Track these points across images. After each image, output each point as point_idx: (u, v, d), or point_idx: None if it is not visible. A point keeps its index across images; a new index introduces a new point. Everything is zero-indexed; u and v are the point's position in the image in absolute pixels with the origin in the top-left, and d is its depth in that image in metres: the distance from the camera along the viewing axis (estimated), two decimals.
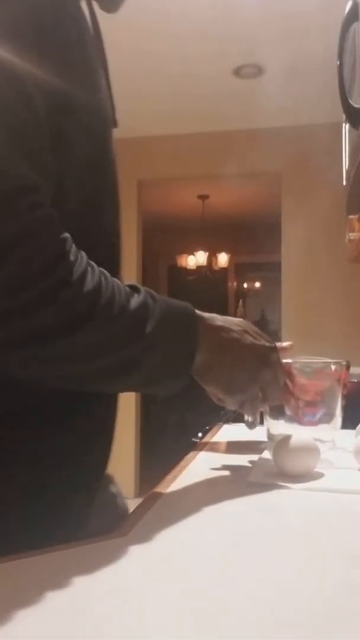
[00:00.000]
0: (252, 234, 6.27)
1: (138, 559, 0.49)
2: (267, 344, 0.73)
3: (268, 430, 0.85)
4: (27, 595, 0.42)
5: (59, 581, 0.44)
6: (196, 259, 6.42)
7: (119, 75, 3.43)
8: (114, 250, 0.74)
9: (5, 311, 0.52)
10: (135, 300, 0.60)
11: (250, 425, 0.80)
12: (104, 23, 0.78)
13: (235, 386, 0.71)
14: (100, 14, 0.77)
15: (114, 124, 0.78)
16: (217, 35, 2.58)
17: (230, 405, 0.75)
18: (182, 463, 0.82)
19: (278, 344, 0.77)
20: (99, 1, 0.78)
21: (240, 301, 6.97)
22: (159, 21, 2.55)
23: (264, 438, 0.87)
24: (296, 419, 0.81)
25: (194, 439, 1.02)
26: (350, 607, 0.41)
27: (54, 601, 0.41)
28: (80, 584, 0.44)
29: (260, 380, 0.72)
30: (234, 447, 0.97)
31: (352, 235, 1.75)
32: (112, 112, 0.76)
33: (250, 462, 0.82)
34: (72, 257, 0.55)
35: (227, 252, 6.65)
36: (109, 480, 0.89)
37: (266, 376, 0.72)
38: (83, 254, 0.58)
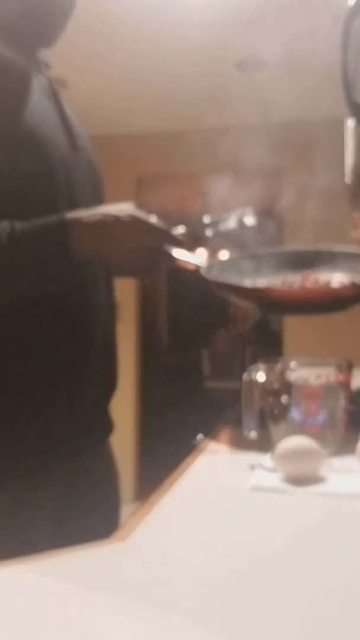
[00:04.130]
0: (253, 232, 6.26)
1: (135, 566, 0.49)
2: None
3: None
4: (26, 603, 0.42)
5: (56, 588, 0.44)
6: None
7: (119, 73, 3.42)
8: None
9: None
10: None
11: (251, 433, 0.80)
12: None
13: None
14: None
15: (74, 148, 0.92)
16: (218, 29, 2.58)
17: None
18: (182, 466, 0.81)
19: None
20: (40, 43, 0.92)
21: None
22: (159, 15, 2.54)
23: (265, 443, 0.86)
24: (299, 422, 0.80)
25: (194, 442, 1.01)
26: (354, 611, 0.40)
27: (52, 608, 0.41)
28: (77, 591, 0.44)
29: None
30: None
31: (357, 233, 1.75)
32: (71, 139, 0.91)
33: (252, 465, 0.80)
34: None
35: (228, 250, 6.64)
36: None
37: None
38: None
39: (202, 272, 0.92)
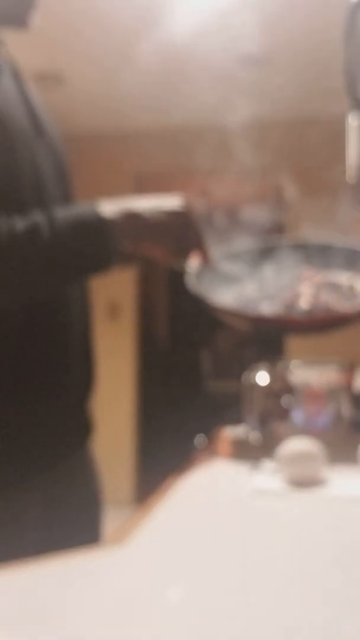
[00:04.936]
0: (256, 230, 6.26)
1: (133, 570, 0.48)
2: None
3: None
4: (25, 608, 0.42)
5: (52, 592, 0.44)
6: None
7: (120, 69, 3.41)
8: None
9: None
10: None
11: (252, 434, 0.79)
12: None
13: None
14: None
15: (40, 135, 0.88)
16: (221, 25, 2.58)
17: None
18: (182, 468, 0.81)
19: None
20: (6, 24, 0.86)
21: None
22: (159, 11, 2.53)
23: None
24: (300, 424, 0.79)
25: (195, 443, 1.00)
26: (355, 615, 0.40)
27: (50, 612, 0.41)
28: (74, 596, 0.43)
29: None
30: None
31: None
32: (36, 124, 0.87)
33: (253, 469, 0.80)
34: None
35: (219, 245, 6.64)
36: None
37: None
38: None
39: (188, 281, 0.85)
